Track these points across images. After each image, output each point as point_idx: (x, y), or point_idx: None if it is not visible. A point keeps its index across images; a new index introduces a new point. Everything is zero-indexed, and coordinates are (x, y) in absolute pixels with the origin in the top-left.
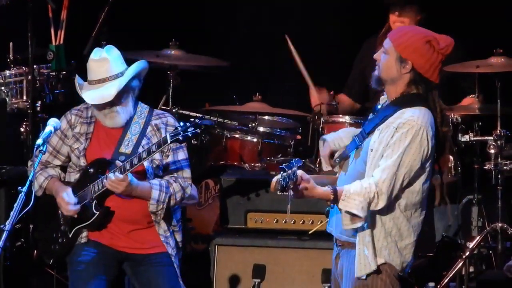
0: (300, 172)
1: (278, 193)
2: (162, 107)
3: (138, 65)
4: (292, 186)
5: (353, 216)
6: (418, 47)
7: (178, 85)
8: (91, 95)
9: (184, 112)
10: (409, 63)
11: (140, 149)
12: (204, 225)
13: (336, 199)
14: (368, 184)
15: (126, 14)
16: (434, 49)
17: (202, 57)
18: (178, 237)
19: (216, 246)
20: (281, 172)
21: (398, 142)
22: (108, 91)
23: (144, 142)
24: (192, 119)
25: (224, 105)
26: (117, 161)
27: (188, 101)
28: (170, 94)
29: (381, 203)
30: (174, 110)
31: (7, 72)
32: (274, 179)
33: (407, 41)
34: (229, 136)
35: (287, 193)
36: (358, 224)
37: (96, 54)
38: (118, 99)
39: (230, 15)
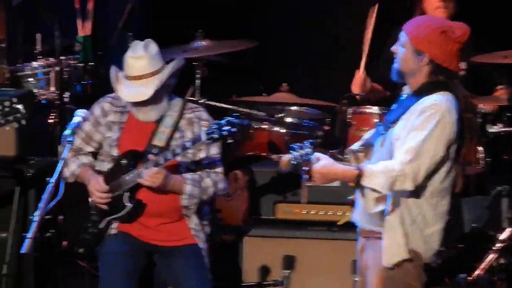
0: (316, 155)
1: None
2: (190, 98)
3: (176, 63)
4: (306, 169)
5: (377, 198)
6: (433, 38)
7: (205, 76)
8: (127, 92)
9: (211, 103)
10: (426, 55)
11: (173, 143)
12: (233, 216)
13: (360, 176)
14: (391, 164)
15: (152, 5)
16: (450, 39)
17: (229, 42)
18: (208, 230)
19: (245, 237)
20: (291, 151)
21: (421, 125)
22: (144, 90)
23: (177, 135)
24: (228, 118)
25: (251, 95)
26: (150, 155)
27: (215, 92)
28: (198, 85)
29: (406, 184)
30: (201, 102)
31: (35, 64)
32: (285, 157)
33: (421, 33)
34: (256, 127)
35: (302, 176)
36: (381, 207)
37: (134, 50)
38: (153, 97)
39: (258, 3)
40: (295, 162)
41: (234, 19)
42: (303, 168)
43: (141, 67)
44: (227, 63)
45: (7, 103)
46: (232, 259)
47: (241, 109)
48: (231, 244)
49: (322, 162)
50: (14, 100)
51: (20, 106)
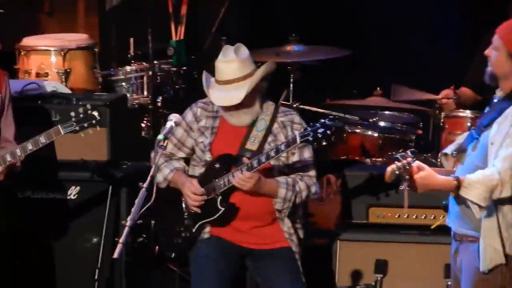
0: (416, 163)
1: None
2: (283, 102)
3: (267, 66)
4: (407, 177)
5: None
6: None
7: (298, 80)
8: (218, 96)
9: (305, 107)
10: None
11: (266, 146)
12: (326, 220)
13: (458, 187)
14: (490, 172)
15: (246, 9)
16: None
17: (323, 48)
18: (301, 233)
19: (338, 241)
20: (395, 161)
21: None
22: (235, 94)
23: (270, 139)
24: (322, 120)
25: (344, 99)
26: (244, 158)
27: (309, 96)
28: (291, 89)
29: (505, 192)
30: (295, 105)
31: (128, 68)
32: (389, 168)
33: None
34: (350, 131)
35: (402, 186)
36: (485, 212)
37: (225, 55)
38: (245, 100)
39: (351, 6)
40: (398, 172)
41: (329, 22)
42: (405, 177)
43: (232, 71)
44: (321, 67)
45: (81, 110)
46: (324, 263)
47: (334, 113)
48: (324, 248)
49: (424, 173)
50: (89, 107)
51: (95, 113)
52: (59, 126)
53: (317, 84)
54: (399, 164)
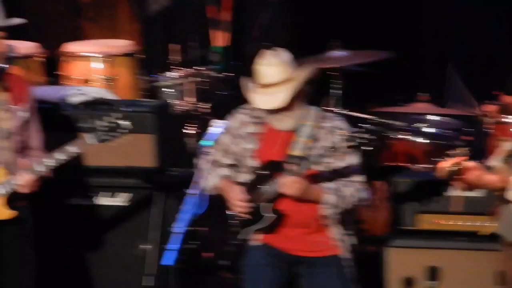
0: (469, 163)
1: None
2: (327, 108)
3: (309, 70)
4: (458, 175)
5: None
6: None
7: (343, 86)
8: (261, 99)
9: (349, 113)
10: None
11: (311, 152)
12: (376, 226)
13: (504, 188)
14: None
15: (290, 15)
16: None
17: (366, 52)
18: (351, 240)
19: (388, 248)
20: (447, 159)
21: None
22: (279, 96)
23: (315, 144)
24: (366, 126)
25: (389, 106)
26: (289, 164)
27: (353, 102)
28: (335, 95)
29: None
30: (339, 112)
31: (172, 74)
32: (441, 165)
33: None
34: (395, 137)
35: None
36: None
37: (266, 58)
38: (288, 104)
39: (394, 10)
40: (450, 169)
41: (372, 28)
42: (455, 176)
43: (275, 74)
44: (365, 73)
45: (109, 119)
46: (375, 270)
47: (379, 119)
48: (373, 255)
49: (475, 172)
50: (117, 115)
51: (122, 122)
52: (88, 135)
53: (362, 90)
54: (451, 161)
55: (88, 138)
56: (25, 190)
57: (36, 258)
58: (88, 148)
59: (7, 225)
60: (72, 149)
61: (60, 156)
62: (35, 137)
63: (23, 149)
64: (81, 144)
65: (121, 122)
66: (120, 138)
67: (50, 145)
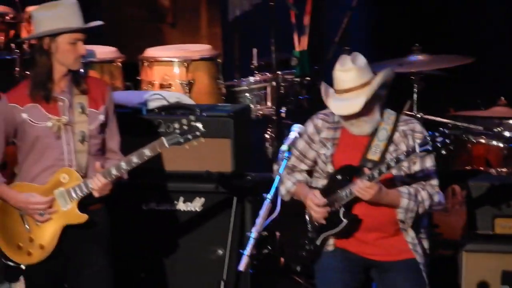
0: None
1: None
2: (407, 112)
3: (385, 74)
4: None
5: None
6: None
7: (422, 90)
8: (337, 105)
9: (429, 117)
10: None
11: (388, 156)
12: (451, 231)
13: None
14: None
15: (369, 19)
16: None
17: (445, 57)
18: (426, 244)
19: (464, 252)
20: None
21: None
22: (355, 102)
23: (391, 148)
24: (441, 129)
25: (468, 110)
26: (365, 168)
27: (432, 106)
28: (415, 99)
29: None
30: (418, 116)
31: (251, 79)
32: None
33: None
34: (474, 141)
35: None
36: None
37: (342, 64)
38: (365, 109)
39: (475, 14)
40: None
41: (451, 32)
42: None
43: (351, 80)
44: (445, 77)
45: (185, 122)
46: (450, 275)
47: (458, 123)
48: (449, 259)
49: None
50: (192, 118)
51: (198, 124)
52: (162, 138)
53: (441, 94)
54: None
55: (164, 141)
56: (98, 194)
57: (111, 263)
58: (164, 151)
59: (80, 229)
60: (147, 152)
61: (135, 159)
62: (113, 140)
63: (99, 152)
64: (156, 147)
65: (196, 124)
66: (195, 141)
67: (128, 150)
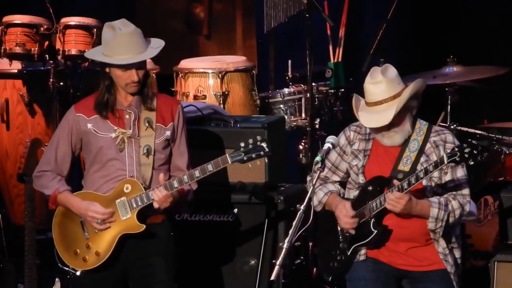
0: None
1: None
2: (441, 123)
3: (415, 85)
4: None
5: None
6: None
7: (456, 101)
8: (368, 118)
9: (463, 129)
10: None
11: (419, 167)
12: (483, 241)
13: None
14: None
15: (403, 30)
16: None
17: (480, 68)
18: (457, 254)
19: (496, 262)
20: None
21: None
22: (385, 114)
23: (422, 159)
24: (469, 140)
25: (502, 121)
26: (394, 180)
27: (466, 117)
28: (449, 110)
29: None
30: (452, 127)
31: (286, 90)
32: None
33: None
34: (508, 152)
35: None
36: None
37: (373, 76)
38: (395, 120)
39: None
40: None
41: (486, 43)
42: None
43: (381, 92)
44: (479, 88)
45: (251, 141)
46: (482, 285)
47: (491, 135)
48: (481, 270)
49: None
50: (259, 138)
51: (263, 144)
52: (227, 155)
53: (475, 105)
54: None
55: (228, 158)
56: (158, 205)
57: (174, 278)
58: (227, 167)
59: (141, 240)
60: (210, 167)
61: (198, 173)
62: (181, 159)
63: (164, 167)
64: (220, 163)
65: (262, 144)
66: (257, 160)
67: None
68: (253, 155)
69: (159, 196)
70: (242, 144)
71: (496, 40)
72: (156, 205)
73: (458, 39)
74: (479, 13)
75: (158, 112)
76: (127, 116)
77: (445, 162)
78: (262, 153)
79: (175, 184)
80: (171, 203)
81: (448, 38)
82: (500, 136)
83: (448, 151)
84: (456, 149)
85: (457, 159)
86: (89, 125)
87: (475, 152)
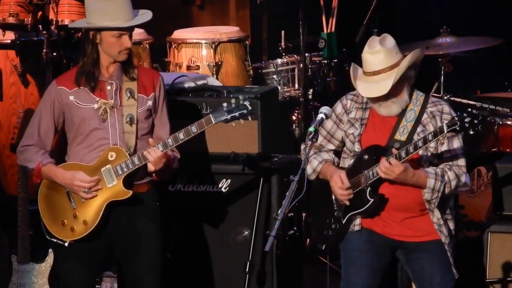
0: None
1: None
2: (434, 94)
3: (413, 55)
4: None
5: None
6: None
7: (449, 72)
8: (366, 87)
9: (456, 99)
10: None
11: (415, 137)
12: (477, 212)
13: None
14: None
15: (397, 2)
16: None
17: (474, 39)
18: (451, 225)
19: (489, 233)
20: None
21: None
22: (383, 84)
23: (419, 129)
24: (469, 109)
25: (495, 91)
26: (392, 149)
27: (459, 88)
28: (442, 81)
29: None
30: (445, 98)
31: (279, 61)
32: None
33: None
34: (501, 123)
35: None
36: None
37: (371, 46)
38: (393, 90)
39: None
40: None
41: (480, 14)
42: None
43: (379, 62)
44: (472, 59)
45: (233, 101)
46: (476, 256)
47: (485, 105)
48: (474, 241)
49: None
50: (241, 97)
51: (246, 103)
52: (210, 115)
53: (468, 75)
54: None
55: (211, 118)
56: (154, 166)
57: (162, 241)
58: (208, 128)
59: (128, 207)
60: (194, 128)
61: (182, 135)
62: (162, 129)
63: (147, 137)
64: (203, 123)
65: (244, 103)
66: (242, 119)
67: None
68: (237, 114)
69: (154, 156)
70: (225, 104)
71: (490, 10)
72: (150, 167)
73: (451, 8)
74: None
75: (140, 82)
76: (108, 87)
77: (445, 131)
78: (245, 111)
79: (160, 148)
80: (165, 164)
81: (441, 8)
82: (494, 107)
83: (446, 121)
84: (456, 118)
85: (457, 128)
86: (71, 97)
87: (475, 121)
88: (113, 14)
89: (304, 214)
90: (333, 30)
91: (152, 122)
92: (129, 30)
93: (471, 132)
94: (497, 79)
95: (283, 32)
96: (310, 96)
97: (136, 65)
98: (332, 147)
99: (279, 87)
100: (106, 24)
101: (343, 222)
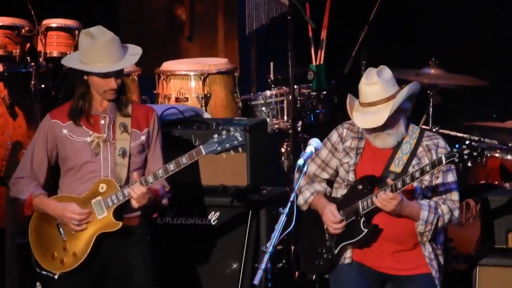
0: None
1: None
2: (422, 126)
3: (410, 87)
4: None
5: None
6: None
7: (438, 104)
8: (362, 118)
9: (445, 131)
10: None
11: (411, 169)
12: (466, 245)
13: None
14: None
15: (385, 33)
16: None
17: (462, 77)
18: (441, 259)
19: (478, 266)
20: None
21: None
22: (380, 115)
23: (414, 162)
24: (467, 142)
25: (483, 121)
26: (388, 179)
27: (448, 119)
28: (430, 113)
29: None
30: (434, 130)
31: (268, 92)
32: None
33: None
34: (489, 155)
35: None
36: None
37: (368, 77)
38: (389, 122)
39: (489, 35)
40: None
41: (468, 49)
42: None
43: (375, 93)
44: (460, 91)
45: (224, 132)
46: None
47: (472, 137)
48: (463, 273)
49: None
50: (232, 129)
51: (237, 134)
52: (201, 146)
53: (456, 107)
54: None
55: (202, 149)
56: (137, 203)
57: (152, 270)
58: (200, 159)
59: (118, 238)
60: (184, 160)
61: (172, 167)
62: (156, 164)
63: (141, 172)
64: (194, 155)
65: (235, 134)
66: (233, 151)
67: None
68: (227, 145)
69: (137, 193)
70: (216, 136)
71: (478, 49)
72: (134, 203)
73: (440, 42)
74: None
75: (134, 118)
76: (102, 121)
77: (443, 162)
78: (236, 142)
79: (150, 179)
80: (149, 200)
81: (430, 40)
82: (482, 139)
83: (441, 155)
84: (455, 151)
85: (455, 160)
86: (64, 131)
87: (474, 153)
88: (100, 56)
89: (293, 247)
90: (321, 62)
91: (145, 157)
92: (114, 73)
93: (470, 164)
94: (485, 111)
95: (271, 63)
96: (299, 128)
97: (131, 101)
98: (326, 176)
99: (268, 119)
100: (90, 67)
101: (335, 252)
